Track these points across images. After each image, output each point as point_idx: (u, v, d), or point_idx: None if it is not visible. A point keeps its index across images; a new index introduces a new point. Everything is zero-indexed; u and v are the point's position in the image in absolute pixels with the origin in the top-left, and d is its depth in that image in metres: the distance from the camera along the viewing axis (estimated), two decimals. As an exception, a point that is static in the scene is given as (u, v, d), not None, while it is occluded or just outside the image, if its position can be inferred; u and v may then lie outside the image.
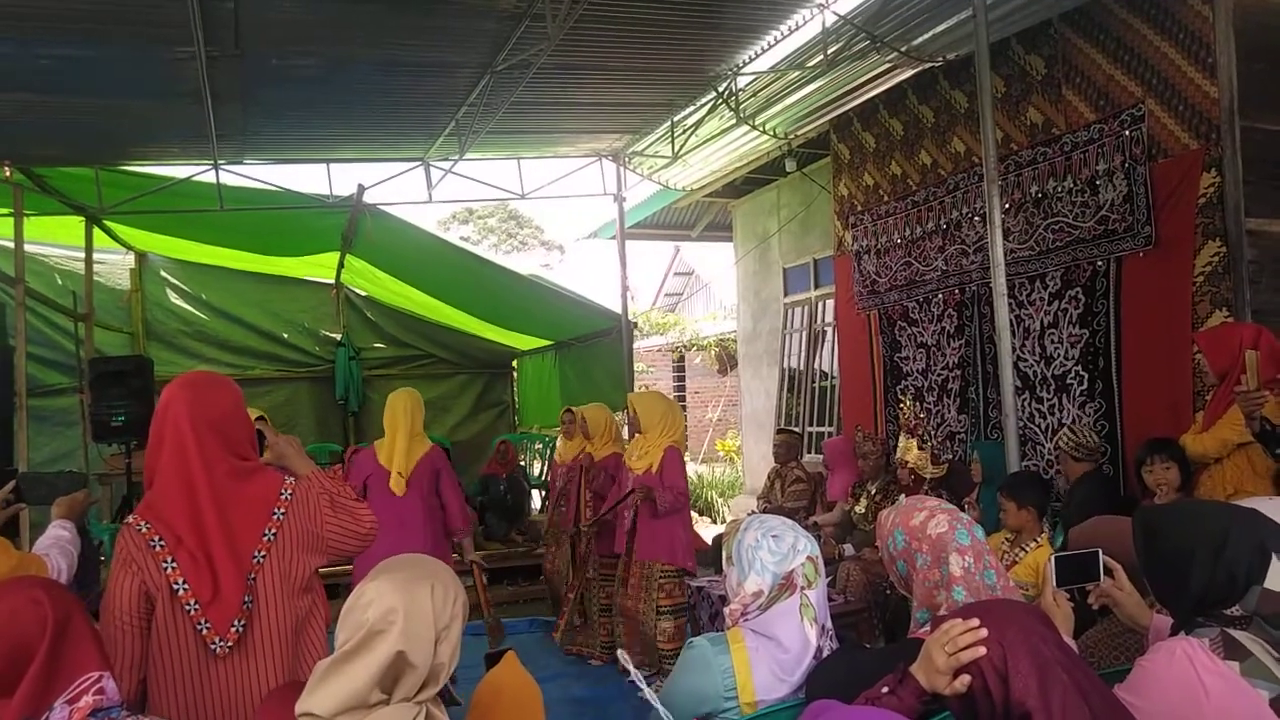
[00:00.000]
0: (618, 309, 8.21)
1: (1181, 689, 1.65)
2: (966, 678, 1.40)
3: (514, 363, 10.83)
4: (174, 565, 1.97)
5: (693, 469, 14.06)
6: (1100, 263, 4.89)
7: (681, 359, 17.33)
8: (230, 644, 1.97)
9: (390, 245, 8.06)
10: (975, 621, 1.43)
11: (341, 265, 9.00)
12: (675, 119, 6.85)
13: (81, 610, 1.66)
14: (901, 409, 5.78)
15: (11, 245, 6.40)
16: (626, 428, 5.90)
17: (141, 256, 8.93)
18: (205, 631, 1.96)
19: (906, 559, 1.99)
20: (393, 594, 1.48)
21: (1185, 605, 1.80)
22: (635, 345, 9.36)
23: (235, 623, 1.97)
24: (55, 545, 2.22)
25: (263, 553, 2.04)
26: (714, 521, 11.35)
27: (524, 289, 8.53)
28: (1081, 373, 5.04)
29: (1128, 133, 4.68)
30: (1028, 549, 3.74)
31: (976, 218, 5.70)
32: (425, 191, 7.48)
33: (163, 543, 1.98)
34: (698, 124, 6.74)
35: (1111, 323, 4.85)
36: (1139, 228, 4.63)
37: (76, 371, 7.54)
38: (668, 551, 4.88)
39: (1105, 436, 4.87)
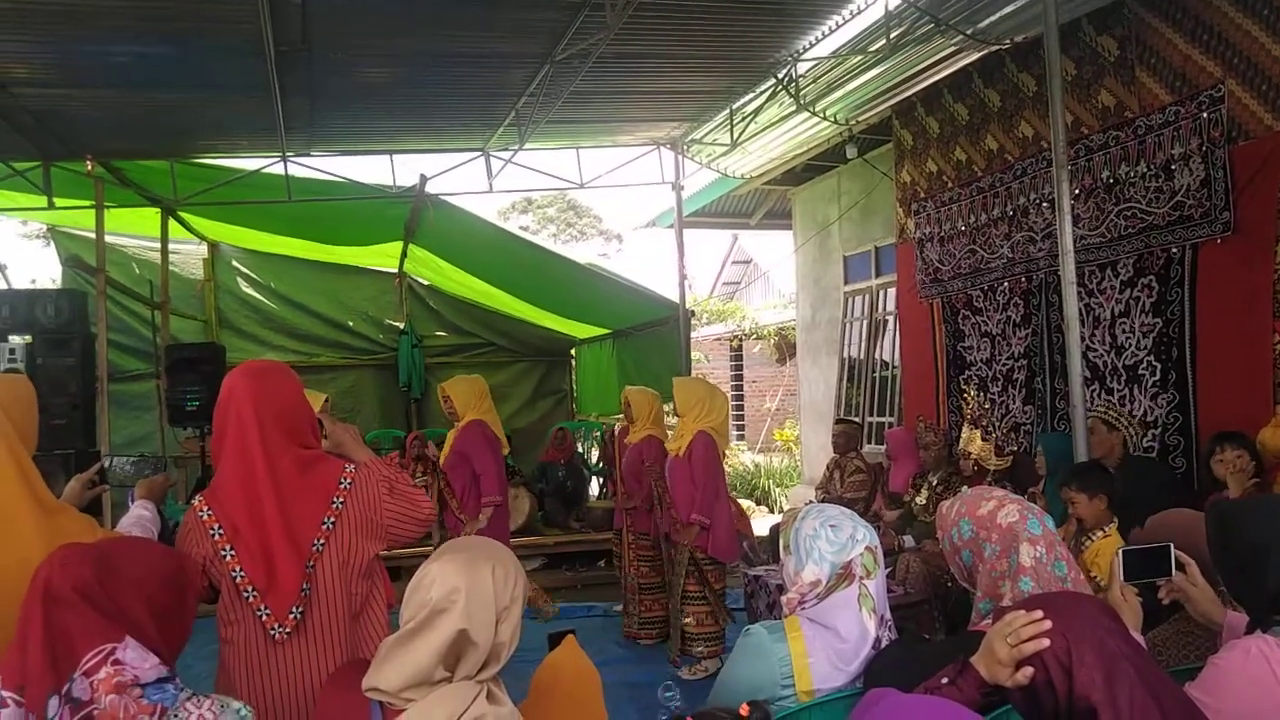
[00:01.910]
0: (675, 298, 8.20)
1: (1256, 688, 1.60)
2: (1029, 670, 1.38)
3: (572, 351, 10.91)
4: (232, 553, 2.03)
5: (750, 458, 14.00)
6: (1175, 250, 4.73)
7: (740, 348, 17.25)
8: (289, 630, 2.02)
9: (452, 235, 8.18)
10: (1039, 613, 1.40)
11: (404, 255, 9.15)
12: (734, 106, 6.80)
13: (77, 591, 1.53)
14: (965, 399, 5.68)
15: (93, 236, 6.67)
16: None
17: (214, 246, 9.21)
18: (265, 618, 2.01)
19: (973, 549, 1.95)
20: (455, 574, 1.51)
21: (1261, 602, 1.74)
22: (693, 334, 9.34)
23: (293, 609, 2.02)
24: (137, 524, 2.31)
25: (322, 541, 2.08)
26: (771, 511, 11.30)
27: (582, 278, 8.57)
28: (1154, 363, 4.89)
29: (1206, 115, 4.51)
30: (1093, 539, 3.63)
31: (1044, 204, 5.56)
32: (486, 181, 7.57)
33: (221, 531, 2.04)
34: (757, 111, 6.68)
35: (1186, 312, 4.69)
36: (1217, 213, 4.46)
37: (153, 358, 7.82)
38: (701, 539, 4.92)
39: (1178, 429, 4.72)
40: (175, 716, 1.46)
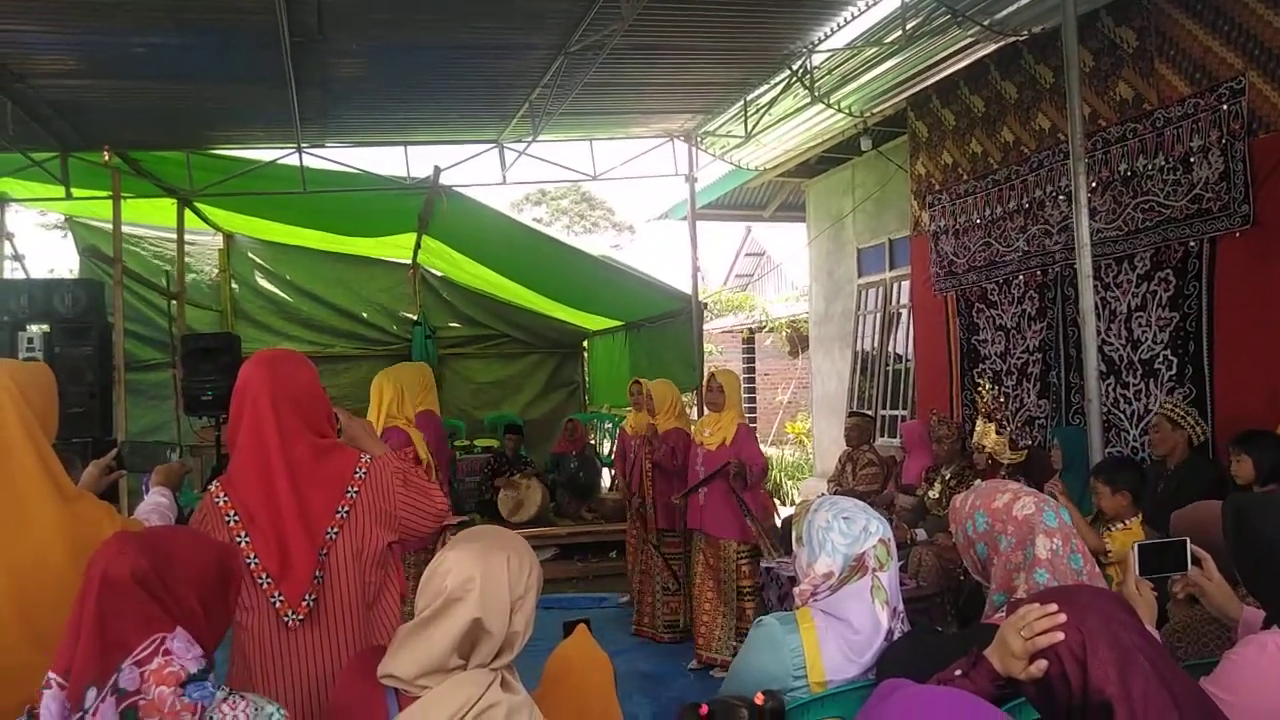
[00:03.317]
0: (688, 290, 8.20)
1: (1272, 683, 1.60)
2: (1043, 663, 1.38)
3: (585, 343, 10.92)
4: (247, 540, 2.05)
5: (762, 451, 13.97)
6: (1193, 243, 4.68)
7: (752, 340, 17.22)
8: (301, 617, 2.03)
9: (465, 226, 8.19)
10: (1053, 606, 1.40)
11: (418, 246, 9.18)
12: (748, 98, 6.78)
13: (133, 578, 1.55)
14: (980, 393, 5.65)
15: (110, 226, 6.72)
16: (696, 406, 5.93)
17: (229, 237, 9.25)
18: (278, 605, 2.03)
19: (988, 541, 1.95)
20: (470, 563, 1.52)
21: (1278, 597, 1.73)
22: (705, 326, 9.33)
23: (306, 596, 2.03)
24: (154, 511, 2.33)
25: (335, 529, 2.09)
26: (783, 504, 11.29)
27: (595, 269, 8.58)
28: (1170, 357, 4.85)
29: (1225, 107, 4.46)
30: (1112, 529, 3.62)
31: (1061, 197, 5.52)
32: (499, 173, 7.59)
33: (237, 518, 2.06)
34: (771, 103, 6.66)
35: (1204, 305, 4.65)
36: (1236, 206, 4.42)
37: (169, 347, 7.87)
38: (742, 529, 4.90)
39: (1195, 424, 4.69)
40: (212, 718, 1.44)
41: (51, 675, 1.45)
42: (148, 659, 1.42)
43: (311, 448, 2.13)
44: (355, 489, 2.14)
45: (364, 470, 2.17)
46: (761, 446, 14.30)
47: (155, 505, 2.36)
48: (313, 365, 2.28)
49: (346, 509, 2.11)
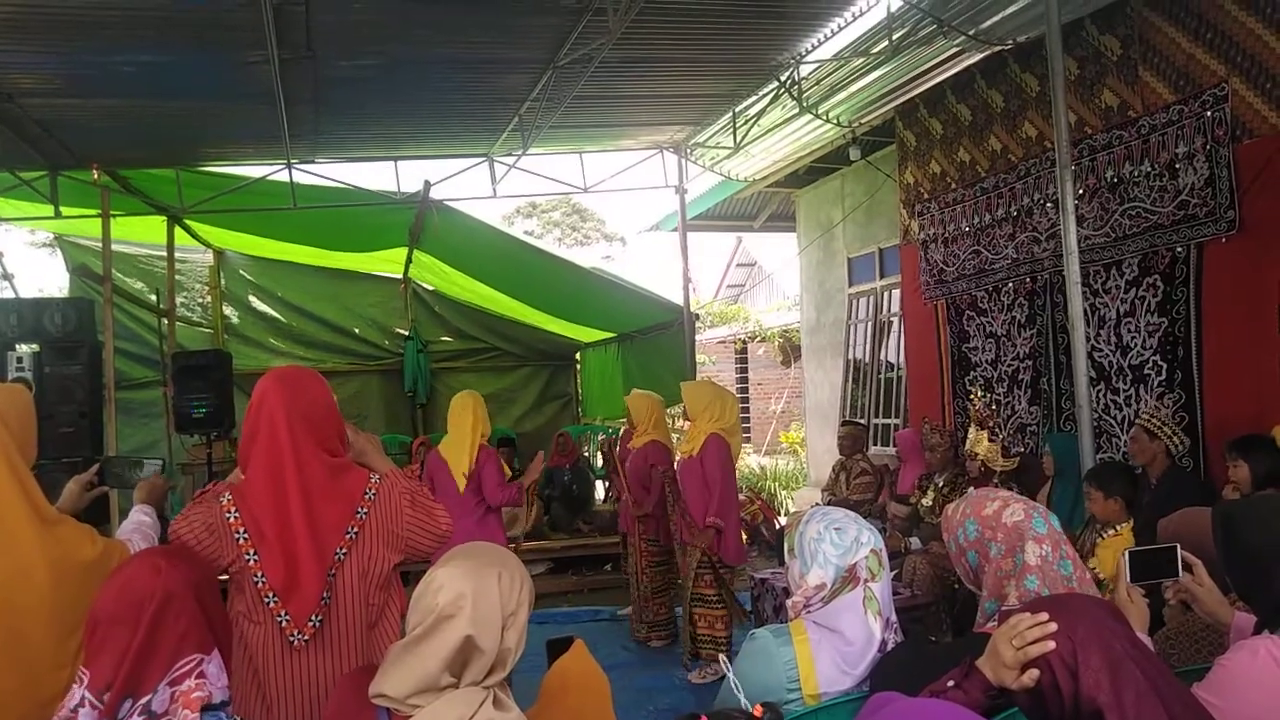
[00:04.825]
0: (680, 301, 8.21)
1: (1264, 689, 1.60)
2: (1035, 672, 1.38)
3: (577, 355, 10.92)
4: (255, 558, 2.03)
5: (756, 461, 13.98)
6: (1180, 249, 4.71)
7: (744, 351, 17.24)
8: (307, 637, 2.02)
9: (456, 240, 8.20)
10: (1044, 615, 1.40)
11: (409, 260, 9.17)
12: (737, 109, 6.81)
13: (192, 588, 1.62)
14: (972, 401, 5.66)
15: (100, 245, 6.69)
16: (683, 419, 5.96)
17: (220, 254, 9.23)
18: (285, 624, 2.01)
19: (979, 549, 1.95)
20: (462, 580, 1.51)
21: (1269, 602, 1.74)
22: (697, 337, 9.33)
23: (313, 617, 2.02)
24: (137, 530, 2.29)
25: (344, 550, 2.09)
26: (777, 514, 11.28)
27: (587, 282, 8.58)
28: (1160, 363, 4.87)
29: (1209, 113, 4.50)
30: (1104, 536, 3.63)
31: (1049, 204, 5.55)
32: (490, 187, 7.59)
33: (246, 535, 2.04)
34: (760, 114, 6.69)
35: (1191, 310, 4.68)
36: (1221, 212, 4.45)
37: (160, 365, 7.84)
38: (713, 542, 4.92)
39: (1185, 428, 4.70)
40: None
41: (86, 694, 1.45)
42: (181, 679, 1.43)
43: (325, 466, 2.13)
44: (364, 510, 2.14)
45: (373, 491, 2.17)
46: (755, 457, 14.17)
47: (137, 524, 2.32)
48: (326, 383, 2.27)
49: (355, 530, 2.11)
